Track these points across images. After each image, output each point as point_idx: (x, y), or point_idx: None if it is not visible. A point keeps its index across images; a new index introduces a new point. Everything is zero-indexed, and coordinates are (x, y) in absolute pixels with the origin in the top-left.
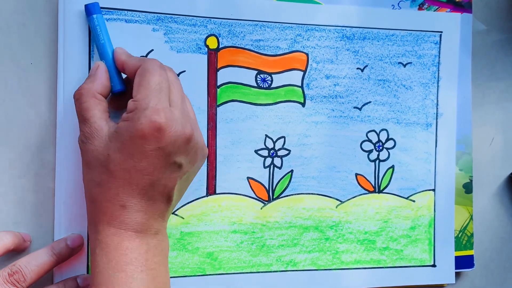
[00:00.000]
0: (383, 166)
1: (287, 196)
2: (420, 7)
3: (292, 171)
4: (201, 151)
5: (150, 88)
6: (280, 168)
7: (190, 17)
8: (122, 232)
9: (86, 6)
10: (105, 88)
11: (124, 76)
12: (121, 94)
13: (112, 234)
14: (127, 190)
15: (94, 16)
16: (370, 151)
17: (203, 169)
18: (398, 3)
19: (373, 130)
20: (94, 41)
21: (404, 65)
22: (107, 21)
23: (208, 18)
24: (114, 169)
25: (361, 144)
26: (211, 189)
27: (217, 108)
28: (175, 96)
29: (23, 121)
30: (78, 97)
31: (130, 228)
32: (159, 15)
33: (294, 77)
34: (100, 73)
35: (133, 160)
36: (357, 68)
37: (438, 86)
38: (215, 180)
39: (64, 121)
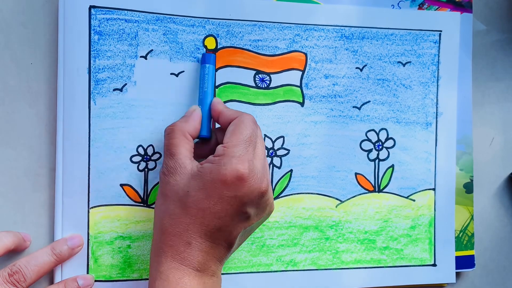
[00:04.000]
0: (383, 166)
1: (286, 195)
2: (420, 7)
3: (291, 170)
4: (269, 207)
5: (241, 139)
6: (279, 167)
7: (189, 18)
8: (183, 268)
9: (203, 54)
10: (195, 130)
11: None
12: (203, 142)
13: (174, 268)
14: (196, 229)
15: (207, 65)
16: (369, 151)
17: None
18: (398, 3)
19: (373, 130)
20: (199, 85)
21: (404, 64)
22: (106, 20)
23: (206, 19)
24: (190, 205)
25: (360, 143)
26: None
27: None
28: (260, 151)
29: (23, 121)
30: (169, 132)
31: (191, 265)
32: (158, 15)
33: (293, 77)
34: (195, 116)
35: (209, 202)
36: (356, 68)
37: (437, 85)
38: None
39: (64, 121)
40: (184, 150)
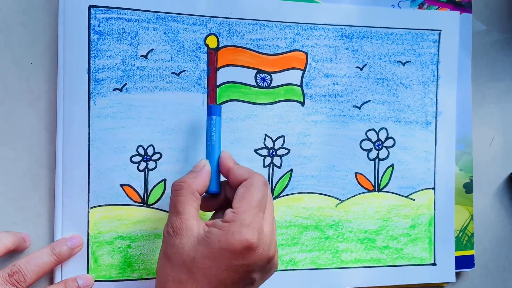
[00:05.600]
0: (383, 165)
1: (287, 195)
2: (420, 7)
3: (291, 170)
4: (274, 268)
5: (251, 204)
6: (279, 167)
7: (190, 16)
8: None
9: (209, 106)
10: (204, 187)
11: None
12: (211, 196)
13: None
14: None
15: (213, 117)
16: (369, 150)
17: None
18: (398, 3)
19: (373, 129)
20: (207, 138)
21: (403, 64)
22: (106, 20)
23: (207, 17)
24: (196, 272)
25: (360, 143)
26: None
27: None
28: (269, 214)
29: (23, 121)
30: (177, 189)
31: None
32: (159, 14)
33: (294, 76)
34: (204, 172)
35: (216, 269)
36: (356, 67)
37: (437, 84)
38: None
39: (64, 121)
40: (192, 209)
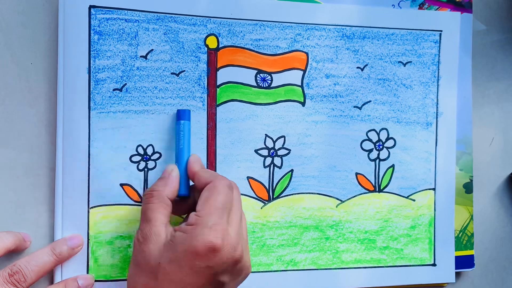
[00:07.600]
0: (383, 165)
1: (287, 195)
2: (421, 7)
3: (292, 170)
4: (245, 271)
5: (215, 207)
6: (280, 167)
7: (190, 17)
8: None
9: (178, 111)
10: (174, 193)
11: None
12: (182, 199)
13: None
14: None
15: (182, 122)
16: (370, 151)
17: None
18: (399, 3)
19: (373, 129)
20: (176, 142)
21: (404, 64)
22: (106, 20)
23: (207, 18)
24: (162, 278)
25: (361, 143)
26: None
27: (217, 107)
28: (235, 215)
29: (23, 121)
30: (148, 197)
31: None
32: (159, 14)
33: (294, 77)
34: (173, 178)
35: (181, 273)
36: (357, 67)
37: (438, 85)
38: None
39: (64, 121)
40: (161, 216)
